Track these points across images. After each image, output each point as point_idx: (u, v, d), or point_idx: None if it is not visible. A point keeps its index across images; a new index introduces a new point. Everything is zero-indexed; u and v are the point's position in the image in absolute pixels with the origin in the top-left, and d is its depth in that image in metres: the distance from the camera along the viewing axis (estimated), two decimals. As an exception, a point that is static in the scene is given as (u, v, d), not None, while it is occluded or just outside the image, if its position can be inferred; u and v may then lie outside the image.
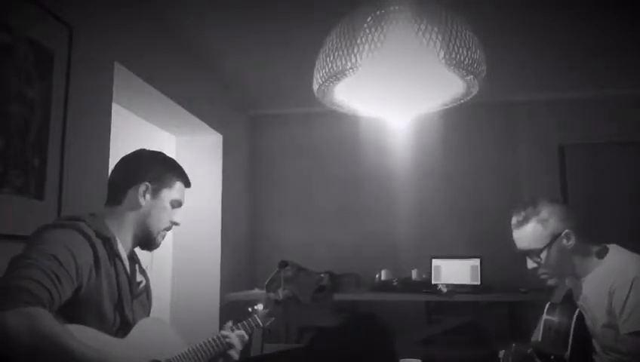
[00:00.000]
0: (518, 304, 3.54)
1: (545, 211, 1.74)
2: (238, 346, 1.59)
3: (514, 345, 1.66)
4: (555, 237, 1.72)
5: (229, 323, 1.66)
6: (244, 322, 1.74)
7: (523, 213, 1.76)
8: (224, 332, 1.60)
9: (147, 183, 1.48)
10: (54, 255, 1.19)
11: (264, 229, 4.43)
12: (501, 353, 1.68)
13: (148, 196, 1.48)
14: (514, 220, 1.79)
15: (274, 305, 1.84)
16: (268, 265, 3.61)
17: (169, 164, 1.57)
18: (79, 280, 1.25)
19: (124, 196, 1.48)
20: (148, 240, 1.52)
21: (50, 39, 2.04)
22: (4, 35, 1.82)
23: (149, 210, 1.48)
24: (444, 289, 3.50)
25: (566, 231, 1.72)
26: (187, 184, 1.59)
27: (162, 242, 1.57)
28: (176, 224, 1.56)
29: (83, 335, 1.18)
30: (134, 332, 1.41)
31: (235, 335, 1.60)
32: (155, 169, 1.51)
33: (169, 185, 1.52)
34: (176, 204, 1.55)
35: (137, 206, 1.47)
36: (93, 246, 1.32)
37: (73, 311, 1.23)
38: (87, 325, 1.27)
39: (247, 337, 1.65)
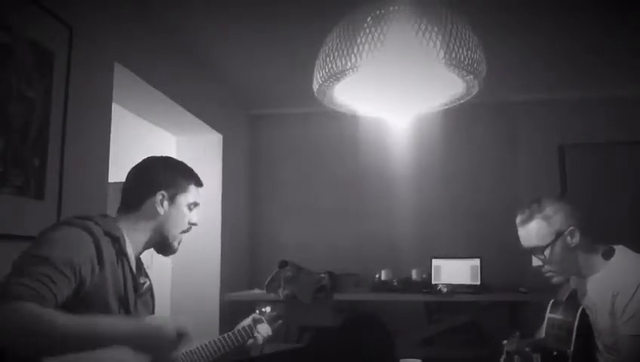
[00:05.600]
0: (518, 304, 3.54)
1: (549, 208, 1.74)
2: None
3: (518, 333, 1.65)
4: (559, 234, 1.72)
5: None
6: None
7: (527, 211, 1.76)
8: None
9: (163, 192, 1.51)
10: (47, 257, 1.21)
11: (264, 229, 4.43)
12: (505, 342, 1.67)
13: (166, 204, 1.51)
14: (518, 218, 1.79)
15: (281, 306, 1.85)
16: (268, 265, 3.61)
17: (180, 168, 1.59)
18: (78, 277, 1.26)
19: (142, 205, 1.50)
20: (164, 247, 1.56)
21: (50, 39, 2.04)
22: (4, 35, 1.82)
23: (168, 217, 1.52)
24: (444, 289, 3.50)
25: (570, 228, 1.72)
26: (199, 184, 1.62)
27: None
28: (194, 225, 1.59)
29: None
30: None
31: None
32: (168, 176, 1.54)
33: (184, 190, 1.55)
34: (193, 206, 1.59)
35: (156, 214, 1.50)
36: (96, 243, 1.33)
37: (79, 307, 1.24)
38: None
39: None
